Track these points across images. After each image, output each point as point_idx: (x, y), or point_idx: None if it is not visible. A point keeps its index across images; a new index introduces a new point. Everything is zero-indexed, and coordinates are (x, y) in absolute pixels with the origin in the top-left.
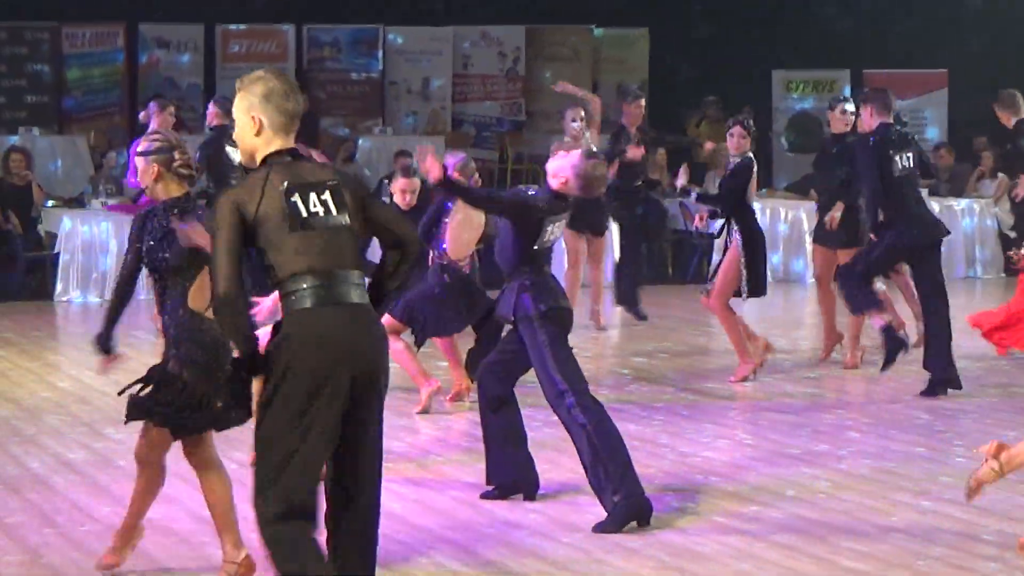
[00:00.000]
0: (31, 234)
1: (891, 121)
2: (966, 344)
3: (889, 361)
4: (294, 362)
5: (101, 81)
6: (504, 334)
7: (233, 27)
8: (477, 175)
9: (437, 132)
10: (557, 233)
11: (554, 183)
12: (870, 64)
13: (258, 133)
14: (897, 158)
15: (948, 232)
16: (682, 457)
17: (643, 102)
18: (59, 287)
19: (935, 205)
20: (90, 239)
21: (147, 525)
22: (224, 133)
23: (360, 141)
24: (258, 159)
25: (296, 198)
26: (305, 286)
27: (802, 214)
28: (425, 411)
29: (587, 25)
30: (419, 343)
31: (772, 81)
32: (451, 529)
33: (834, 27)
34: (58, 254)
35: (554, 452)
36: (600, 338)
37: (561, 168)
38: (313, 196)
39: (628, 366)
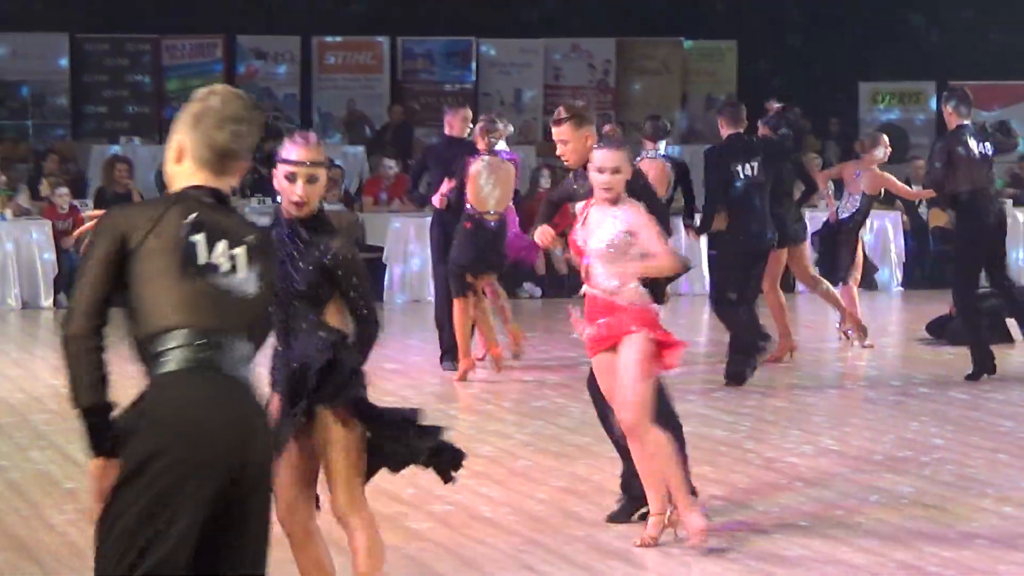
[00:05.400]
0: None
1: (741, 131)
2: None
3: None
4: (161, 446)
5: None
6: None
7: (329, 39)
8: (502, 137)
9: (528, 142)
10: None
11: None
12: (956, 76)
13: (178, 160)
14: (739, 168)
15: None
16: (767, 462)
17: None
18: None
19: (1019, 215)
20: None
21: None
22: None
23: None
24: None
25: (199, 238)
26: (181, 345)
27: (887, 223)
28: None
29: (676, 37)
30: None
31: (859, 93)
32: (540, 532)
33: (921, 38)
34: None
35: None
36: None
37: None
38: (222, 245)
39: (717, 372)
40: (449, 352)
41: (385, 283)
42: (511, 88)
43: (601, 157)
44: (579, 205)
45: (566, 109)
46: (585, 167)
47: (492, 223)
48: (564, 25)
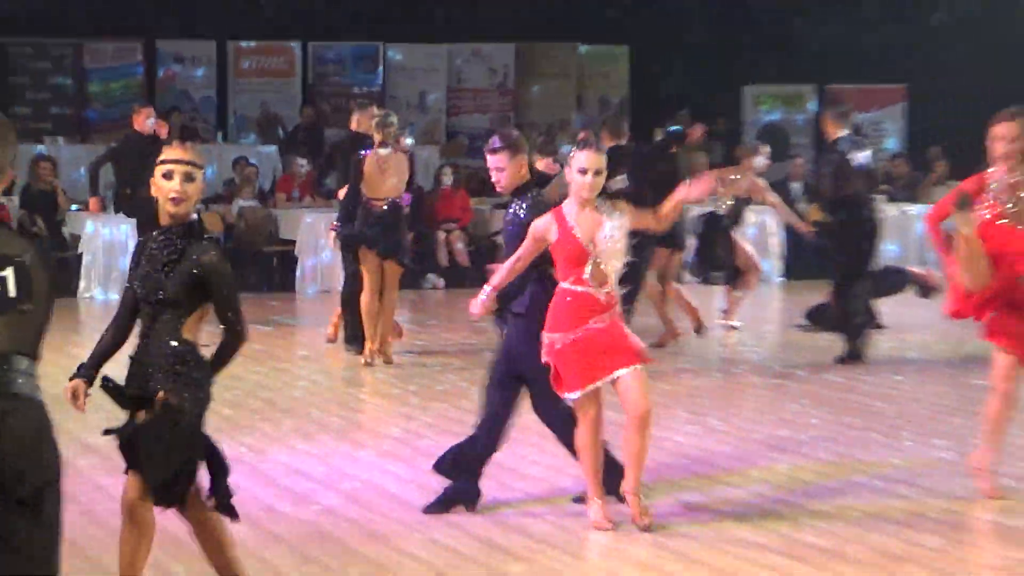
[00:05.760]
0: (56, 236)
1: (622, 143)
2: (914, 337)
3: None
4: None
5: (121, 94)
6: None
7: (244, 43)
8: (395, 131)
9: (433, 142)
10: None
11: None
12: (834, 79)
13: None
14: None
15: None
16: (655, 441)
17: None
18: (82, 284)
19: (892, 210)
20: (110, 240)
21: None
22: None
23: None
24: None
25: None
26: None
27: (767, 217)
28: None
29: (572, 43)
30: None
31: (743, 95)
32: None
33: (802, 45)
34: (81, 254)
35: (539, 437)
36: None
37: None
38: None
39: None
40: (354, 337)
41: (297, 274)
42: (416, 91)
43: (586, 159)
44: (543, 221)
45: (502, 138)
46: (518, 192)
47: (379, 209)
48: (466, 31)
